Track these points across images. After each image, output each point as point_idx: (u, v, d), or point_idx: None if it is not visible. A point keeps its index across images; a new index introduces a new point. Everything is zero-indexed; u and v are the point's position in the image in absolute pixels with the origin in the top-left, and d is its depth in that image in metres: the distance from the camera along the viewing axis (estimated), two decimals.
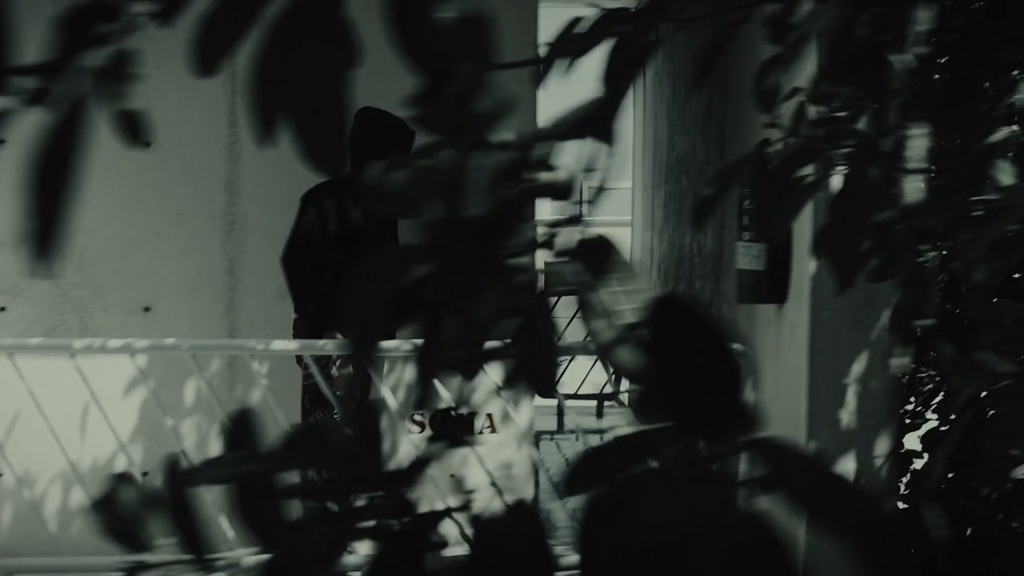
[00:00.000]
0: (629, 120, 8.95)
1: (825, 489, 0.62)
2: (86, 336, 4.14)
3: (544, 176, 0.69)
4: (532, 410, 4.54)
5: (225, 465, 0.72)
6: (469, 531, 0.70)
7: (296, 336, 4.03)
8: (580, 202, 0.87)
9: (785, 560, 0.58)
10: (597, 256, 0.89)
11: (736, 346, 0.77)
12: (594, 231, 0.92)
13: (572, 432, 7.08)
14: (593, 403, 8.58)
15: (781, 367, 4.32)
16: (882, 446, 3.68)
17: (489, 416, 4.56)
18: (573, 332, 7.97)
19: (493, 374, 1.03)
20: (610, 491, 0.60)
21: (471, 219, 0.69)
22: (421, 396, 0.75)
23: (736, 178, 1.75)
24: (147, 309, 4.44)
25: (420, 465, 0.70)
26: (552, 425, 8.33)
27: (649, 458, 0.62)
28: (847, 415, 3.78)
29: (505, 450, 4.44)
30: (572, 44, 1.13)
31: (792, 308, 4.11)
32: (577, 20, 1.16)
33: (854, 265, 1.33)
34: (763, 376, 4.69)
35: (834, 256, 1.32)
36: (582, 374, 8.60)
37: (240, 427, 0.73)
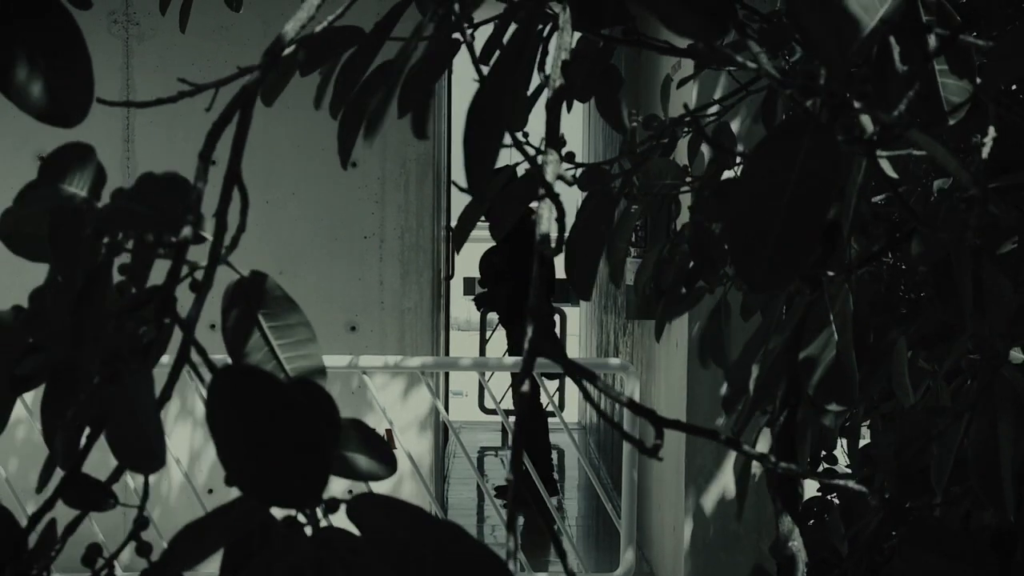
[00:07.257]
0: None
1: (427, 544, 0.61)
2: None
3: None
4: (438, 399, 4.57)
5: None
6: None
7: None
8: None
9: None
10: (255, 291, 0.94)
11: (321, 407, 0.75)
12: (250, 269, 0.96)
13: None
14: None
15: (669, 382, 4.41)
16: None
17: (388, 432, 4.61)
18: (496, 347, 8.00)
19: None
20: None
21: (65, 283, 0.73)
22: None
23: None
24: None
25: None
26: (497, 441, 8.34)
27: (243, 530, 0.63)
28: (725, 428, 3.87)
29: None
30: None
31: (677, 324, 4.19)
32: None
33: (587, 277, 1.41)
34: (655, 390, 4.78)
35: (567, 267, 1.36)
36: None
37: None
